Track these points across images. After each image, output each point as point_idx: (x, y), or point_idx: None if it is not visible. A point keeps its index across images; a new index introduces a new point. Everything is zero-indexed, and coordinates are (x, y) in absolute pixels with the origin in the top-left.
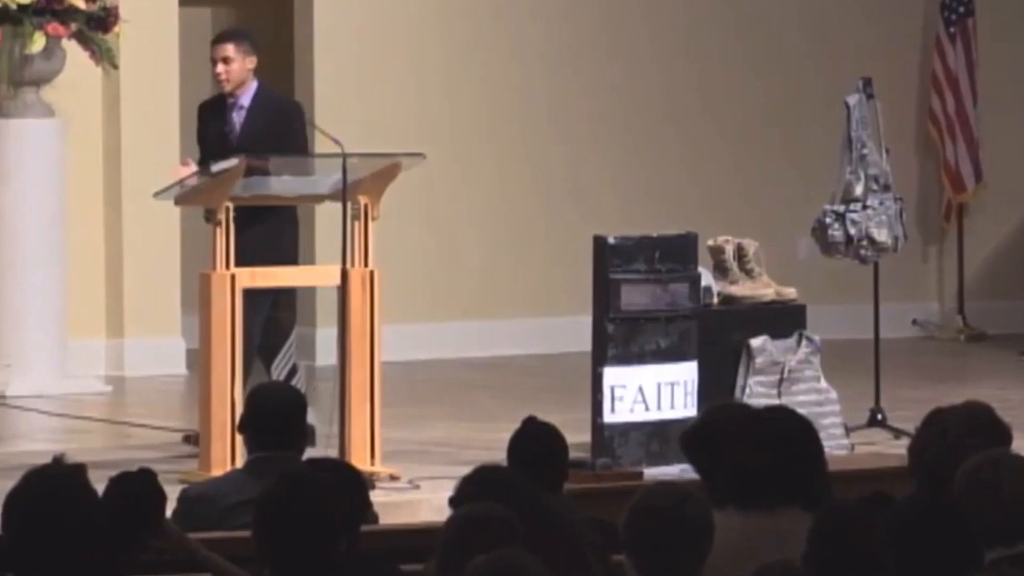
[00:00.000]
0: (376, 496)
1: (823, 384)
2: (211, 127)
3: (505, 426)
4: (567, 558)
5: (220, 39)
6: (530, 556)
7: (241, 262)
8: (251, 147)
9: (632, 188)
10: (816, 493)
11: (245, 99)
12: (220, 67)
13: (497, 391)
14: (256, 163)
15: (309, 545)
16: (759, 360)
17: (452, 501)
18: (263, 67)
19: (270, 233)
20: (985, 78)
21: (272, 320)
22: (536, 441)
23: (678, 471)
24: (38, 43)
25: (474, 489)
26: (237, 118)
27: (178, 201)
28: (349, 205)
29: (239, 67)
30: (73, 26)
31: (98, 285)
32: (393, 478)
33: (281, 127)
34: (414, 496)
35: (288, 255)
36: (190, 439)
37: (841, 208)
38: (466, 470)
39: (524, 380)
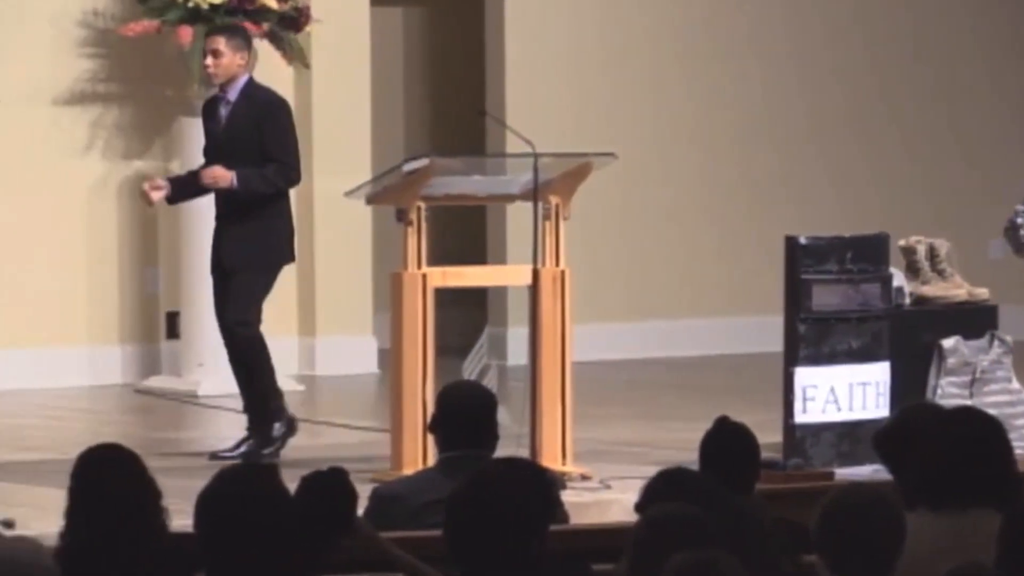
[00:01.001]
0: (567, 496)
1: (1015, 385)
2: (208, 124)
3: (696, 426)
4: (759, 559)
5: (211, 32)
6: (728, 556)
7: (224, 260)
8: (236, 142)
9: (816, 188)
10: (1007, 494)
11: (232, 94)
12: (209, 60)
13: (688, 391)
14: (443, 162)
15: (500, 544)
16: (951, 361)
17: (638, 507)
18: (454, 67)
19: (258, 231)
20: None
21: None
22: (728, 441)
23: (870, 471)
24: None
25: (662, 491)
26: (224, 112)
27: (369, 200)
28: (540, 205)
29: (228, 61)
30: (265, 26)
31: (290, 284)
32: (584, 478)
33: (265, 123)
34: (605, 496)
35: (273, 255)
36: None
37: None
38: (656, 470)
39: (715, 380)
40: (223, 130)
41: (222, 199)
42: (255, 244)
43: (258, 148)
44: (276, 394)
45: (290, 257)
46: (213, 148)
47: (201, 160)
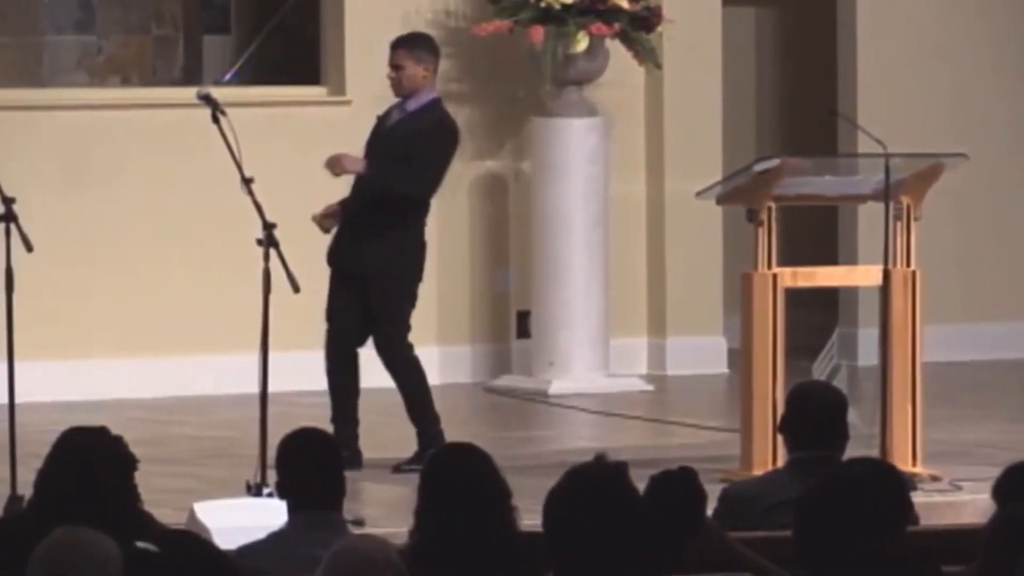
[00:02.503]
0: (916, 497)
1: None
2: (377, 130)
3: None
4: None
5: (395, 44)
6: None
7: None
8: (391, 147)
9: None
10: None
11: (412, 105)
12: (391, 72)
13: None
14: (794, 162)
15: (850, 546)
16: None
17: (994, 492)
18: (806, 67)
19: (388, 246)
20: None
21: None
22: None
23: None
24: (582, 43)
25: (1017, 484)
26: (395, 117)
27: (720, 201)
28: (891, 205)
29: (411, 73)
30: (617, 26)
31: (640, 284)
32: (934, 479)
33: (423, 138)
34: (956, 498)
35: (393, 271)
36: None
37: None
38: None
39: None
40: (385, 133)
41: (353, 200)
42: (395, 249)
43: (404, 156)
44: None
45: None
46: (369, 154)
47: None
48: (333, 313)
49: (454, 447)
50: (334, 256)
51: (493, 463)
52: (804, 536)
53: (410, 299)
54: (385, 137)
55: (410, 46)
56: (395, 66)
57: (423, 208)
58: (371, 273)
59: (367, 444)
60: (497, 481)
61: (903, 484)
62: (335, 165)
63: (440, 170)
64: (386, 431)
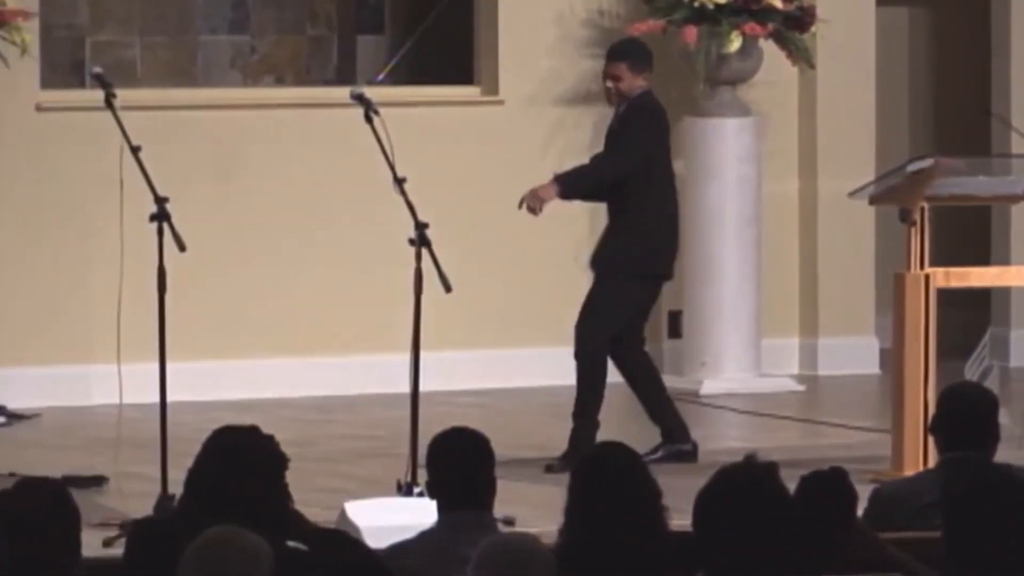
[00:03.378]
0: None
1: None
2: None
3: None
4: None
5: (613, 56)
6: None
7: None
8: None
9: None
10: None
11: (623, 106)
12: (609, 83)
13: None
14: (948, 162)
15: (999, 547)
16: None
17: None
18: (959, 67)
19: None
20: None
21: None
22: None
23: None
24: (735, 43)
25: None
26: (612, 122)
27: (873, 200)
28: None
29: (628, 86)
30: (770, 26)
31: (792, 284)
32: None
33: (626, 124)
34: None
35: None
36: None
37: None
38: None
39: None
40: (606, 136)
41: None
42: (627, 249)
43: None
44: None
45: (665, 271)
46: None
47: None
48: None
49: (605, 446)
50: None
51: (643, 463)
52: (953, 537)
53: (625, 298)
54: (606, 139)
55: (631, 59)
56: (612, 76)
57: (645, 197)
58: (596, 268)
59: (524, 444)
60: (647, 481)
61: None
62: (532, 200)
63: (643, 143)
64: (542, 430)
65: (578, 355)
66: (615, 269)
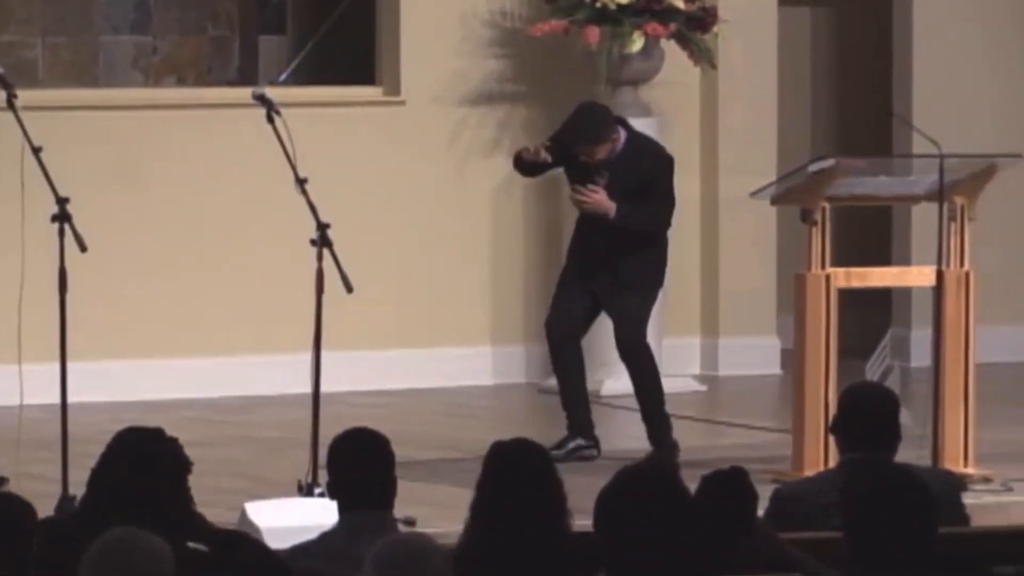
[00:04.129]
0: (968, 498)
1: None
2: (574, 163)
3: None
4: None
5: (587, 141)
6: None
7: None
8: (616, 193)
9: None
10: None
11: (616, 159)
12: (584, 158)
13: None
14: (849, 162)
15: (900, 547)
16: None
17: None
18: (861, 67)
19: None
20: None
21: None
22: None
23: None
24: (637, 43)
25: None
26: (602, 166)
27: (774, 201)
28: (945, 206)
29: (604, 153)
30: (672, 26)
31: (693, 284)
32: (986, 480)
33: (654, 182)
34: (1007, 499)
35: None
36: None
37: None
38: None
39: None
40: (605, 185)
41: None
42: (655, 263)
43: (637, 198)
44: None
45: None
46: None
47: None
48: None
49: (516, 443)
50: None
51: (552, 462)
52: (854, 537)
53: (651, 305)
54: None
55: (602, 138)
56: (593, 154)
57: None
58: (625, 279)
59: (425, 444)
60: (555, 480)
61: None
62: (597, 207)
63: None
64: (443, 430)
65: (632, 361)
66: (646, 280)
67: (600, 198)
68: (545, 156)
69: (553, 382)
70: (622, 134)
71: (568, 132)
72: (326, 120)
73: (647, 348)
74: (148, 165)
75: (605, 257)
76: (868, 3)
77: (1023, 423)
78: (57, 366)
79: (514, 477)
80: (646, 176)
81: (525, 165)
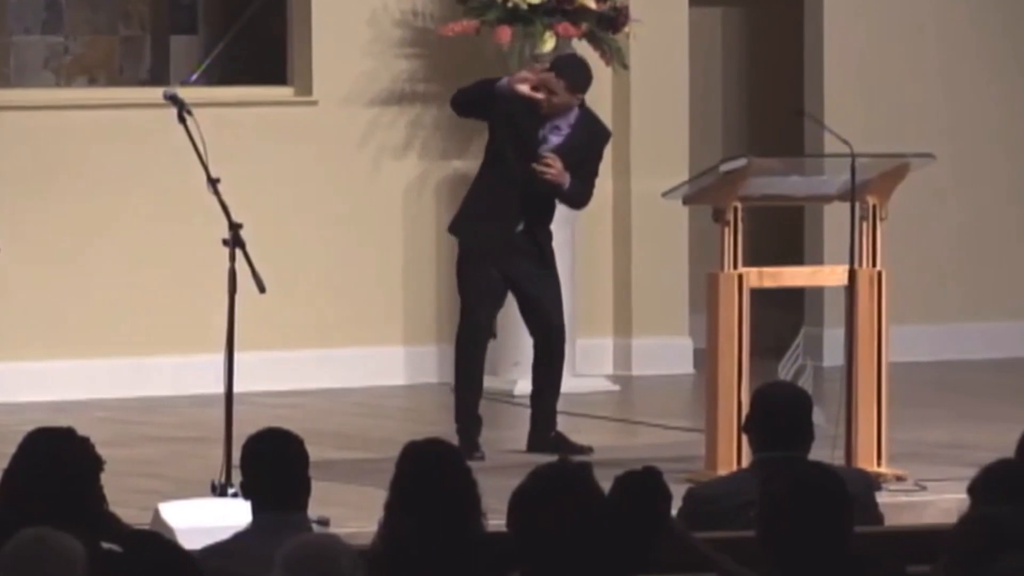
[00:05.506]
0: (881, 497)
1: None
2: (522, 120)
3: (1014, 427)
4: None
5: (559, 70)
6: None
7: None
8: (566, 164)
9: None
10: None
11: (564, 123)
12: (543, 95)
13: (1006, 392)
14: (761, 162)
15: (815, 545)
16: None
17: (970, 490)
18: (773, 67)
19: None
20: None
21: None
22: None
23: None
24: (548, 43)
25: (993, 483)
26: (551, 133)
27: (687, 201)
28: (857, 205)
29: (561, 102)
30: (584, 26)
31: (606, 284)
32: (899, 479)
33: (589, 152)
34: (920, 498)
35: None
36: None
37: None
38: (973, 472)
39: None
40: (554, 150)
41: (534, 204)
42: (552, 255)
43: (573, 172)
44: None
45: None
46: (525, 156)
47: None
48: None
49: (430, 443)
50: None
51: (465, 461)
52: (768, 536)
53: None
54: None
55: (572, 81)
56: (550, 91)
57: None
58: (544, 263)
59: (339, 444)
60: (469, 479)
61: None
62: (558, 176)
63: None
64: (357, 430)
65: (561, 343)
66: (555, 267)
67: (561, 168)
68: (540, 96)
69: None
70: (576, 108)
71: (583, 73)
72: (238, 120)
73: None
74: (59, 165)
75: (523, 242)
76: (779, 3)
77: (936, 422)
78: None
79: (427, 477)
80: (595, 147)
81: (473, 97)
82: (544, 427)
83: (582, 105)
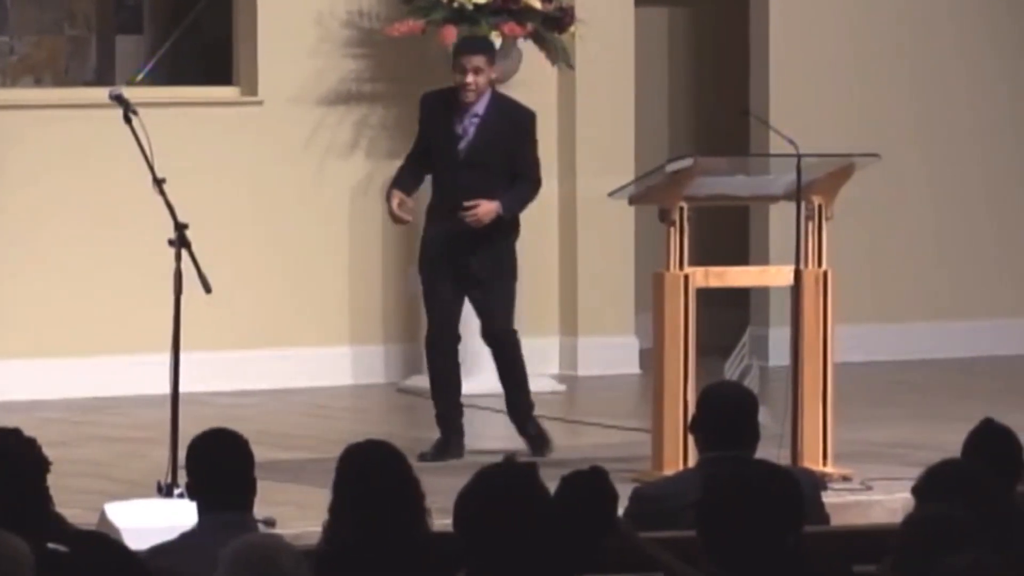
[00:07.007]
0: (828, 497)
1: None
2: (438, 124)
3: (959, 427)
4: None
5: (472, 50)
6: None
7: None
8: (483, 155)
9: None
10: None
11: (479, 107)
12: (471, 78)
13: (957, 393)
14: (707, 162)
15: (756, 544)
16: None
17: (915, 491)
18: (718, 67)
19: (508, 242)
20: None
21: None
22: (991, 442)
23: None
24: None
25: (938, 483)
26: (470, 124)
27: (632, 201)
28: (803, 205)
29: (486, 79)
30: (529, 26)
31: (552, 284)
32: (845, 479)
33: (518, 139)
34: (866, 497)
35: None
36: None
37: None
38: (918, 472)
39: (979, 382)
40: (470, 142)
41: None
42: (509, 254)
43: (505, 162)
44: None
45: None
46: (450, 156)
47: None
48: None
49: (372, 444)
50: None
51: (407, 461)
52: (712, 535)
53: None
54: (472, 146)
55: (487, 48)
56: (474, 69)
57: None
58: (487, 270)
59: (286, 445)
60: (411, 480)
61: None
62: (486, 216)
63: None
64: (304, 431)
65: (506, 346)
66: (508, 268)
67: (486, 207)
68: (406, 216)
69: (412, 382)
70: (488, 90)
71: (485, 40)
72: (184, 120)
73: (515, 343)
74: (4, 165)
75: (469, 242)
76: (725, 3)
77: (881, 422)
78: None
79: (367, 478)
80: (521, 133)
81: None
82: (521, 427)
83: (496, 93)
